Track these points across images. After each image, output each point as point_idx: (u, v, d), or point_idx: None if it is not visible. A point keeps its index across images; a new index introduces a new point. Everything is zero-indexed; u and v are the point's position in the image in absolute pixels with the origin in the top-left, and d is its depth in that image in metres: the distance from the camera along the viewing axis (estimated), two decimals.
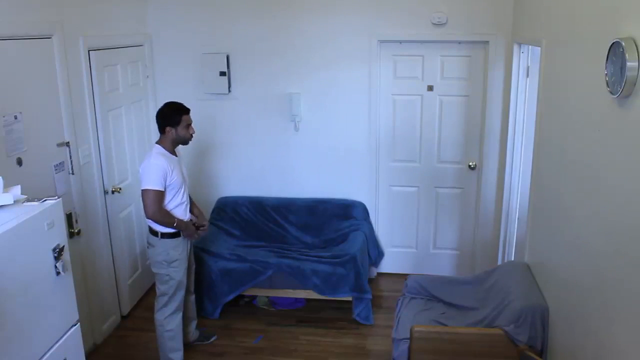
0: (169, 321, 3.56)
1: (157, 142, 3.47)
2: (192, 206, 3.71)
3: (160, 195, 3.35)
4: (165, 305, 3.54)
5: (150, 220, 3.44)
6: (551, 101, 3.10)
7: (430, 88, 4.68)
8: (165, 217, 3.41)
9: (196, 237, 3.67)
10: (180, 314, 3.63)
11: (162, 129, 3.44)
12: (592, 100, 2.36)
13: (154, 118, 3.52)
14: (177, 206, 3.49)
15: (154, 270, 3.53)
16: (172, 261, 3.48)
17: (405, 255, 5.10)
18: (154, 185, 3.32)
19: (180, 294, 3.57)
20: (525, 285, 3.20)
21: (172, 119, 3.42)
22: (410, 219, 5.00)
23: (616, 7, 2.12)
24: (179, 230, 3.48)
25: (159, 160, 3.34)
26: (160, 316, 3.56)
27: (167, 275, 3.49)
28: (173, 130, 3.42)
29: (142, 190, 3.35)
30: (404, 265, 5.10)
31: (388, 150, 4.85)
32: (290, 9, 4.59)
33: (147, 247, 3.57)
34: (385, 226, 5.03)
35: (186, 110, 3.47)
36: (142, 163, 3.42)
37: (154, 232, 3.48)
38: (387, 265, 5.11)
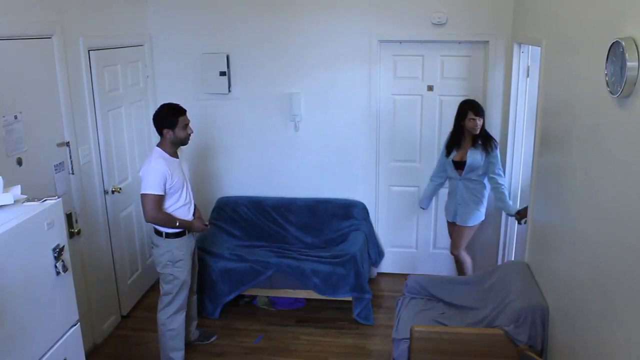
0: (172, 321, 3.56)
1: (157, 145, 3.47)
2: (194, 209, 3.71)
3: (159, 199, 3.36)
4: (168, 304, 3.55)
5: None
6: (551, 101, 3.10)
7: (430, 88, 4.68)
8: (165, 219, 3.42)
9: (205, 228, 3.68)
10: (184, 314, 3.63)
11: (160, 132, 3.43)
12: (592, 100, 2.36)
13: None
14: (181, 207, 3.50)
15: (159, 270, 3.54)
16: (177, 261, 3.49)
17: (405, 255, 5.10)
18: (152, 189, 3.33)
19: (184, 294, 3.58)
20: (525, 285, 3.20)
21: (169, 121, 3.41)
22: (410, 219, 5.00)
23: (616, 7, 2.12)
24: (184, 228, 3.49)
25: (158, 165, 3.34)
26: (162, 315, 3.57)
27: (171, 275, 3.50)
28: (171, 132, 3.41)
29: (141, 194, 3.36)
30: (404, 265, 5.10)
31: (388, 150, 4.85)
32: (290, 9, 4.58)
33: (152, 248, 3.57)
34: (385, 226, 5.03)
35: (182, 111, 3.46)
36: (142, 167, 3.42)
37: (158, 233, 3.48)
38: (387, 265, 5.11)
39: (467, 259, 4.43)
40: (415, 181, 4.91)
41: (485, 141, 4.12)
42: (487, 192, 4.25)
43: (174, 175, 3.39)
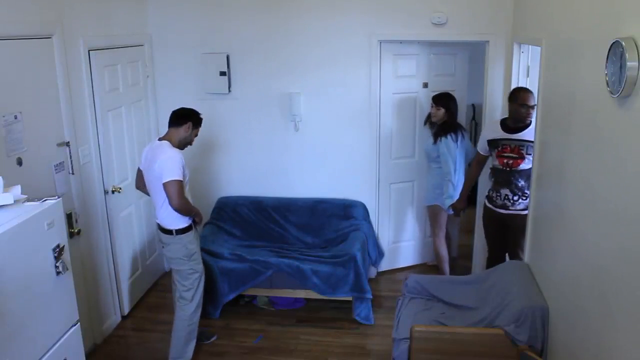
0: (195, 314, 3.63)
1: (164, 139, 3.50)
2: None
3: (182, 185, 3.42)
4: (190, 300, 3.61)
5: (162, 219, 3.49)
6: (551, 101, 3.11)
7: (425, 85, 4.79)
8: (188, 206, 3.51)
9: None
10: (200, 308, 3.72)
11: (181, 123, 3.51)
12: (592, 100, 2.36)
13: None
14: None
15: (175, 267, 3.59)
16: (192, 254, 3.57)
17: (404, 248, 5.18)
18: (176, 175, 3.37)
19: (203, 285, 3.67)
20: (525, 285, 3.20)
21: (196, 120, 3.60)
22: (407, 212, 5.10)
23: (616, 7, 2.12)
24: (196, 216, 3.59)
25: (176, 153, 3.41)
26: (185, 313, 3.60)
27: (191, 269, 3.57)
28: (189, 129, 3.55)
29: (166, 182, 3.36)
30: (403, 258, 5.20)
31: (388, 149, 4.86)
32: (290, 9, 4.58)
33: (162, 247, 3.63)
34: (386, 224, 5.05)
35: (201, 123, 3.71)
36: (157, 158, 3.40)
37: (167, 231, 3.51)
38: (387, 262, 5.13)
39: (441, 250, 4.65)
40: (411, 176, 5.01)
41: (436, 131, 4.44)
42: (452, 178, 4.40)
43: (185, 166, 3.48)
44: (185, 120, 3.54)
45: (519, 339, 2.93)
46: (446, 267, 4.69)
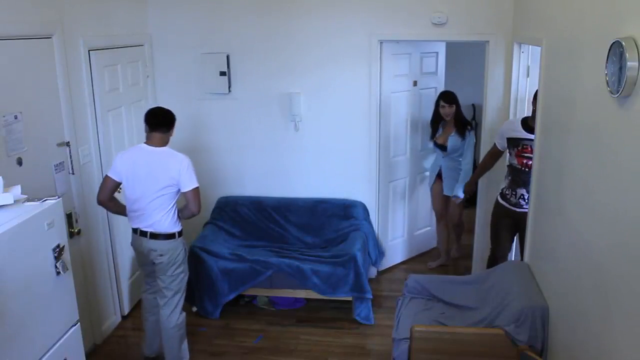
0: (181, 317, 3.57)
1: (160, 145, 3.40)
2: None
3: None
4: (176, 305, 3.53)
5: (165, 226, 3.39)
6: (551, 101, 3.11)
7: (415, 83, 4.90)
8: None
9: None
10: None
11: (170, 126, 3.46)
12: (592, 100, 2.36)
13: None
14: None
15: (172, 273, 3.46)
16: (186, 255, 3.58)
17: (402, 244, 5.28)
18: (197, 182, 3.38)
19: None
20: (525, 285, 3.20)
21: (174, 119, 3.53)
22: (404, 208, 5.22)
23: (616, 7, 2.12)
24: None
25: (189, 159, 3.39)
26: (174, 317, 3.51)
27: (183, 272, 3.55)
28: (173, 130, 3.49)
29: (192, 190, 3.35)
30: (402, 254, 5.29)
31: (388, 148, 4.87)
32: (290, 9, 4.58)
33: (160, 256, 3.43)
34: (386, 223, 5.08)
35: None
36: (167, 166, 3.32)
37: (169, 236, 3.42)
38: (388, 260, 5.16)
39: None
40: (404, 173, 5.12)
41: (460, 127, 4.72)
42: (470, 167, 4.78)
43: None
44: (172, 123, 3.47)
45: (519, 339, 2.93)
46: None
